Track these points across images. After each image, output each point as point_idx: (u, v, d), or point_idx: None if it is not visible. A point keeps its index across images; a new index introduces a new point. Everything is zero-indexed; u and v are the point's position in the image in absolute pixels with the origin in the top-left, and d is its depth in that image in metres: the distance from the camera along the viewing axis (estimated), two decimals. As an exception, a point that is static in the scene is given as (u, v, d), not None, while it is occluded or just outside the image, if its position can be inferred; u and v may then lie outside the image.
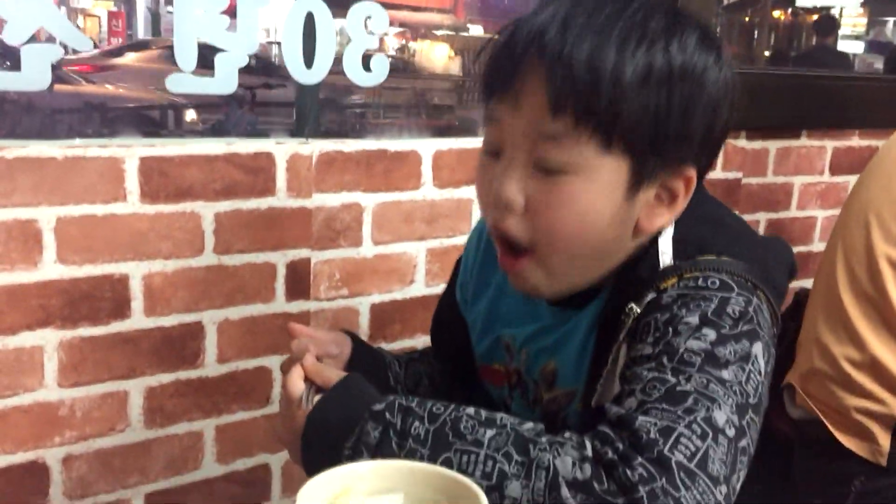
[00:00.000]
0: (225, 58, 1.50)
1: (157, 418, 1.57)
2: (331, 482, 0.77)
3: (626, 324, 0.85)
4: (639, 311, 0.84)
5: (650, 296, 0.84)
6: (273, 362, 1.69)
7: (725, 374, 0.77)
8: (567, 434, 0.77)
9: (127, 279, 1.49)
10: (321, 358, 0.97)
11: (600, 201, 0.85)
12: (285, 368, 0.96)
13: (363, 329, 1.79)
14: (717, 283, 0.83)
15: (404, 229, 1.80)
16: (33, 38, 1.32)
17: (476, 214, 1.89)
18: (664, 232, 0.90)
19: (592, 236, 0.87)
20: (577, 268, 0.90)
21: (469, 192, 1.87)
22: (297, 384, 0.89)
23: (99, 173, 1.43)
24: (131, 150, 1.45)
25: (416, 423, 0.79)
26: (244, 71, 1.53)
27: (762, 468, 0.94)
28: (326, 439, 0.82)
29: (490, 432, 0.77)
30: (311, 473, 0.74)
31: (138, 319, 1.51)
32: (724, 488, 0.73)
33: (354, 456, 0.80)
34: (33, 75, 1.32)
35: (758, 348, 0.81)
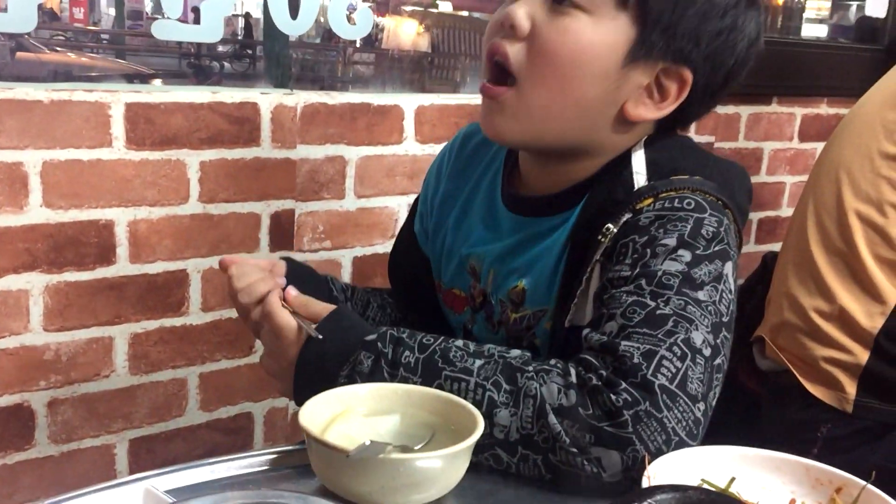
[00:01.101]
0: (211, 5, 1.50)
1: (142, 365, 1.59)
2: (330, 403, 0.80)
3: (602, 244, 0.86)
4: (615, 230, 0.86)
5: (626, 216, 0.87)
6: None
7: (701, 294, 0.80)
8: (553, 361, 0.79)
9: (112, 225, 1.49)
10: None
11: (600, 49, 0.86)
12: (240, 302, 0.94)
13: (346, 279, 1.81)
14: (692, 203, 0.86)
15: (386, 183, 1.82)
16: (20, -21, 1.31)
17: (457, 170, 1.92)
18: (635, 153, 0.93)
19: (580, 80, 0.87)
20: (552, 117, 0.89)
21: (450, 148, 1.89)
22: (286, 317, 0.87)
23: (84, 118, 1.43)
24: (117, 96, 1.45)
25: (407, 353, 0.82)
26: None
27: (731, 419, 0.98)
28: (321, 370, 0.83)
29: (479, 362, 0.80)
30: (303, 403, 0.77)
31: (123, 266, 1.52)
32: (702, 405, 0.77)
33: (348, 385, 0.82)
34: (19, 16, 1.32)
35: (728, 267, 0.84)
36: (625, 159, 0.93)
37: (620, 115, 0.91)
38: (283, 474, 0.79)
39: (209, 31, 1.51)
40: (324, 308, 0.88)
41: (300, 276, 1.00)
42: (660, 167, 0.91)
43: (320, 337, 0.83)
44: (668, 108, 0.91)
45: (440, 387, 0.80)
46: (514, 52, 0.88)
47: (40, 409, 1.50)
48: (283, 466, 0.80)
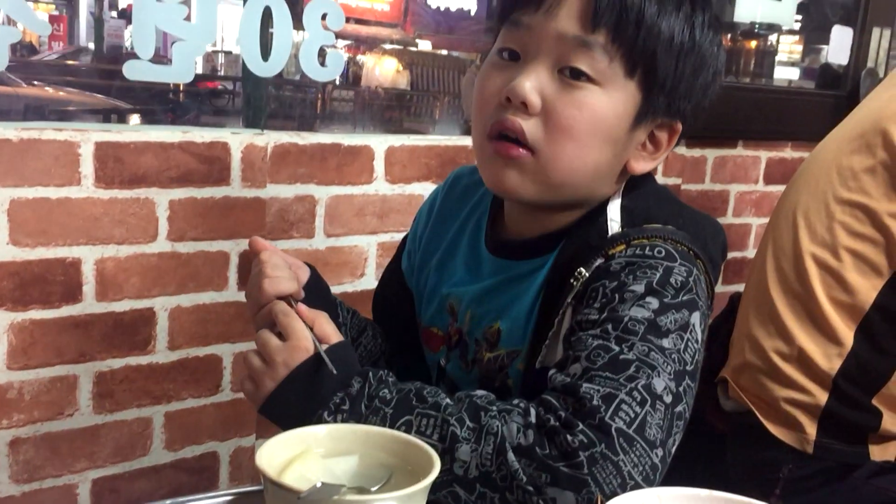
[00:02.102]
0: (182, 47, 1.52)
1: (107, 404, 1.58)
2: (288, 444, 0.80)
3: (574, 287, 0.89)
4: (587, 275, 0.89)
5: (598, 261, 0.89)
6: (224, 350, 1.70)
7: (665, 342, 0.82)
8: (516, 401, 0.81)
9: (79, 263, 1.49)
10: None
11: (612, 118, 0.90)
12: (263, 290, 0.92)
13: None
14: (663, 252, 0.88)
15: (356, 223, 1.83)
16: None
17: (426, 210, 1.94)
18: (612, 201, 0.96)
19: (596, 148, 0.91)
20: (569, 181, 0.92)
21: (420, 189, 1.91)
22: (301, 328, 0.87)
23: (54, 157, 1.44)
24: (87, 135, 1.46)
25: (386, 391, 0.84)
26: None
27: (696, 458, 1.00)
28: (313, 387, 0.84)
29: (447, 400, 0.82)
30: (279, 410, 0.81)
31: (90, 304, 1.52)
32: (660, 451, 0.78)
33: (334, 413, 0.83)
34: (-9, 56, 1.33)
35: (696, 317, 0.86)
36: (602, 207, 0.96)
37: (623, 171, 0.96)
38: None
39: (181, 73, 1.53)
40: (333, 332, 0.89)
41: (318, 287, 1.03)
42: (634, 215, 0.94)
43: (334, 371, 0.84)
44: (662, 157, 0.96)
45: (409, 422, 0.81)
46: (530, 127, 0.90)
47: (2, 448, 1.48)
48: (241, 507, 0.80)
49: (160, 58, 1.50)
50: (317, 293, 1.00)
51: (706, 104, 0.96)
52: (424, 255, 1.12)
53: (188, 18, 1.51)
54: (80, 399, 1.55)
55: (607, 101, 0.89)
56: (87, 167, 1.47)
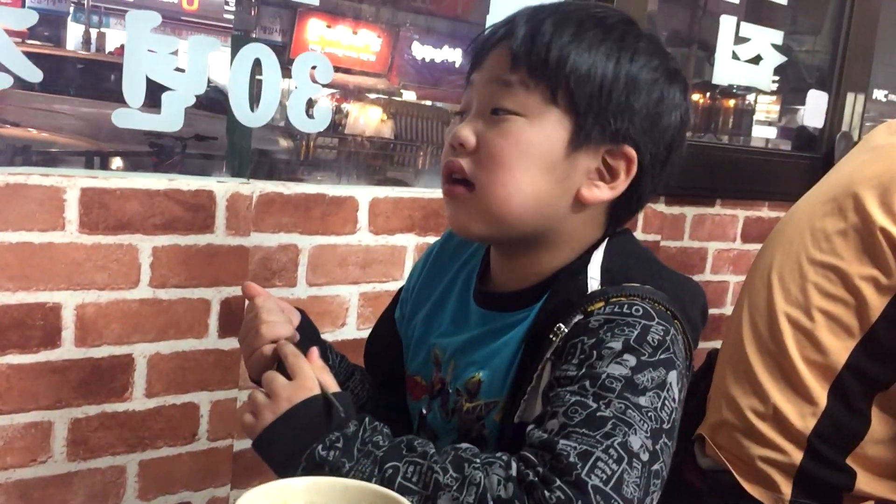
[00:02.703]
0: (172, 96, 1.54)
1: (81, 451, 1.56)
2: (268, 496, 0.80)
3: (553, 342, 0.91)
4: (566, 330, 0.90)
5: (577, 317, 0.91)
6: (202, 398, 1.69)
7: (642, 400, 0.83)
8: (499, 454, 0.82)
9: (59, 308, 1.49)
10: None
11: (541, 144, 0.94)
12: (260, 334, 1.00)
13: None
14: (641, 310, 0.90)
15: (338, 273, 1.84)
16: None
17: (409, 262, 1.95)
18: (593, 259, 0.98)
19: (528, 174, 0.94)
20: (509, 210, 0.95)
21: (403, 240, 1.93)
22: (309, 370, 0.93)
23: (39, 202, 1.44)
24: (73, 181, 1.47)
25: (379, 437, 0.87)
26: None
27: None
28: (312, 423, 0.88)
29: (434, 450, 0.84)
30: (273, 443, 0.87)
31: (68, 349, 1.51)
32: None
33: (328, 450, 0.85)
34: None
35: (673, 376, 0.87)
36: (583, 264, 0.98)
37: (576, 201, 0.97)
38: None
39: (169, 121, 1.54)
40: (333, 382, 0.94)
41: (309, 331, 1.09)
42: (613, 274, 0.96)
43: (342, 414, 0.88)
44: (621, 186, 0.97)
45: (396, 467, 0.83)
46: (468, 164, 0.96)
47: (-29, 495, 1.46)
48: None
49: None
50: (308, 337, 1.05)
51: (665, 130, 0.97)
52: (415, 305, 1.14)
53: (179, 68, 1.53)
54: (54, 446, 1.53)
55: (532, 128, 0.94)
56: (72, 212, 1.47)
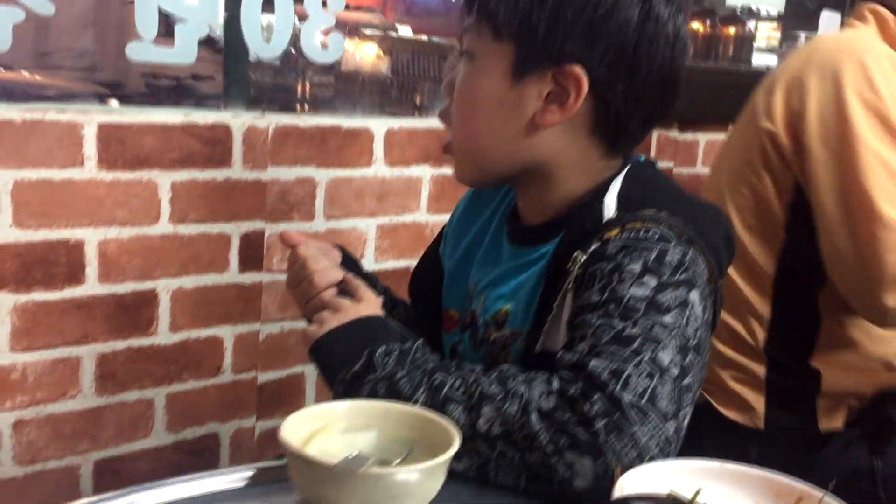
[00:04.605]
0: (185, 28, 1.52)
1: (109, 385, 1.58)
2: (309, 420, 0.81)
3: (572, 272, 0.91)
4: (584, 258, 0.91)
5: (594, 245, 0.91)
6: (225, 332, 1.71)
7: (667, 318, 0.84)
8: (539, 372, 0.83)
9: (82, 245, 1.49)
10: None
11: (486, 82, 0.96)
12: (313, 283, 1.01)
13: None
14: (657, 234, 0.90)
15: (355, 205, 1.84)
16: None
17: (425, 193, 1.95)
18: (610, 188, 0.98)
19: (482, 119, 0.97)
20: (478, 151, 0.99)
21: (419, 172, 1.92)
22: (374, 296, 0.99)
23: (57, 138, 1.43)
24: (90, 116, 1.46)
25: (430, 356, 0.90)
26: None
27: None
28: (375, 331, 0.93)
29: (480, 369, 0.86)
30: (332, 346, 0.90)
31: (92, 286, 1.52)
32: (673, 423, 0.80)
33: (386, 356, 0.88)
34: (-7, 36, 1.32)
35: (694, 295, 0.88)
36: (600, 194, 0.98)
37: (533, 128, 0.97)
38: (263, 490, 0.80)
39: (183, 53, 1.53)
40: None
41: (353, 266, 1.11)
42: (630, 202, 0.96)
43: (398, 329, 0.94)
44: (574, 106, 0.95)
45: (443, 380, 0.84)
46: (448, 108, 1.02)
47: (5, 429, 1.48)
48: (263, 482, 0.81)
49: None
50: (354, 272, 1.06)
51: (622, 45, 0.93)
52: (455, 241, 1.16)
53: (190, -1, 1.50)
54: (83, 380, 1.55)
55: (478, 68, 0.97)
56: (91, 149, 1.47)
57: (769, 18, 3.05)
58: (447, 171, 1.96)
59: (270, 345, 1.78)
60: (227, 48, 1.61)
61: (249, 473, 0.82)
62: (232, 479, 0.80)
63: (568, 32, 0.92)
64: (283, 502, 0.76)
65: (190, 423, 1.71)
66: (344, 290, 1.00)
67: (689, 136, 2.44)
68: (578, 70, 0.93)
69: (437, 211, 1.97)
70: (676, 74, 0.98)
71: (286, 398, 1.85)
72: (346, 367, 0.89)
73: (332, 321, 0.94)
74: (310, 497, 0.74)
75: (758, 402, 1.40)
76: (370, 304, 0.97)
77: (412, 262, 1.96)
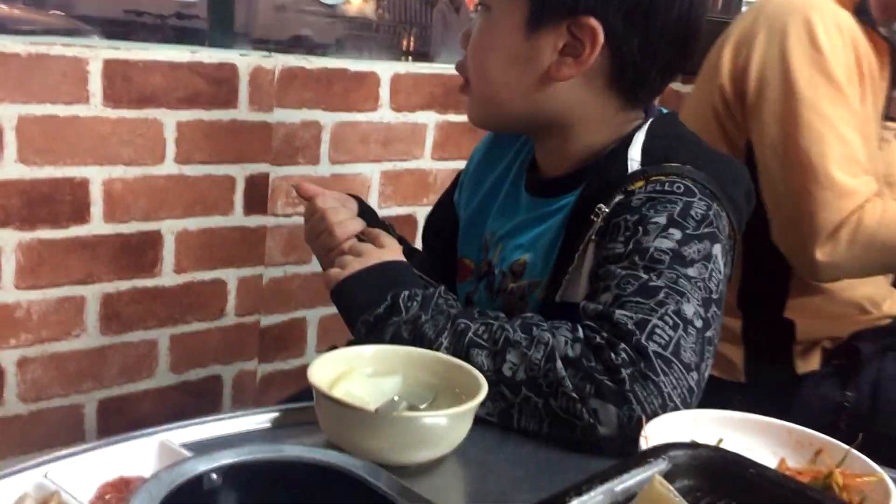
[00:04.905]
0: (193, -37, 1.48)
1: (113, 325, 1.58)
2: (336, 363, 0.82)
3: (595, 223, 0.92)
4: (607, 210, 0.91)
5: (619, 197, 0.91)
6: (229, 275, 1.70)
7: (691, 271, 0.85)
8: (563, 321, 0.83)
9: (87, 183, 1.48)
10: None
11: (503, 33, 0.96)
12: (335, 234, 1.01)
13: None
14: (682, 187, 0.90)
15: (360, 150, 1.82)
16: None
17: (430, 140, 1.93)
18: (634, 141, 0.97)
19: (496, 71, 0.97)
20: (493, 100, 1.00)
21: (424, 118, 1.90)
22: (397, 244, 1.00)
23: (62, 73, 1.40)
24: (95, 52, 1.43)
25: (453, 302, 0.91)
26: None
27: None
28: (400, 275, 0.94)
29: (504, 316, 0.86)
30: (356, 288, 0.91)
31: (97, 225, 1.51)
32: (695, 374, 0.81)
33: (410, 300, 0.89)
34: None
35: (717, 249, 0.88)
36: (624, 147, 0.97)
37: (548, 80, 0.96)
38: (290, 431, 0.81)
39: (190, -10, 1.49)
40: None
41: (370, 215, 1.10)
42: (654, 155, 0.95)
43: (421, 275, 0.97)
44: (589, 59, 0.94)
45: (468, 325, 0.85)
46: (465, 60, 1.01)
47: (10, 367, 1.48)
48: (288, 423, 0.82)
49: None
50: (372, 221, 1.06)
51: (648, 4, 0.92)
52: (471, 189, 1.15)
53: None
54: (87, 320, 1.54)
55: (493, 18, 0.97)
56: (96, 85, 1.44)
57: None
58: (452, 117, 1.94)
59: (273, 289, 1.78)
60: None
61: (275, 415, 0.82)
62: (260, 419, 0.81)
63: None
64: (312, 442, 0.76)
65: (193, 365, 1.71)
66: (364, 240, 0.99)
67: (690, 88, 2.42)
68: (593, 22, 0.92)
69: (441, 158, 1.96)
70: (696, 24, 0.96)
71: (288, 342, 1.85)
72: (370, 309, 0.89)
73: (354, 264, 0.94)
74: (338, 439, 0.74)
75: (737, 355, 1.42)
76: (393, 250, 0.97)
77: (416, 209, 1.96)
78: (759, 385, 1.43)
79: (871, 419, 1.37)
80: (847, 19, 1.32)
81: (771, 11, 1.34)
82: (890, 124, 1.49)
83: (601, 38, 0.92)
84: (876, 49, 1.37)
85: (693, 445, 0.62)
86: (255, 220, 1.70)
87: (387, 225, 1.12)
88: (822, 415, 1.39)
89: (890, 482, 0.69)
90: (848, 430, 1.39)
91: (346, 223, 1.01)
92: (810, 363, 1.42)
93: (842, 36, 1.30)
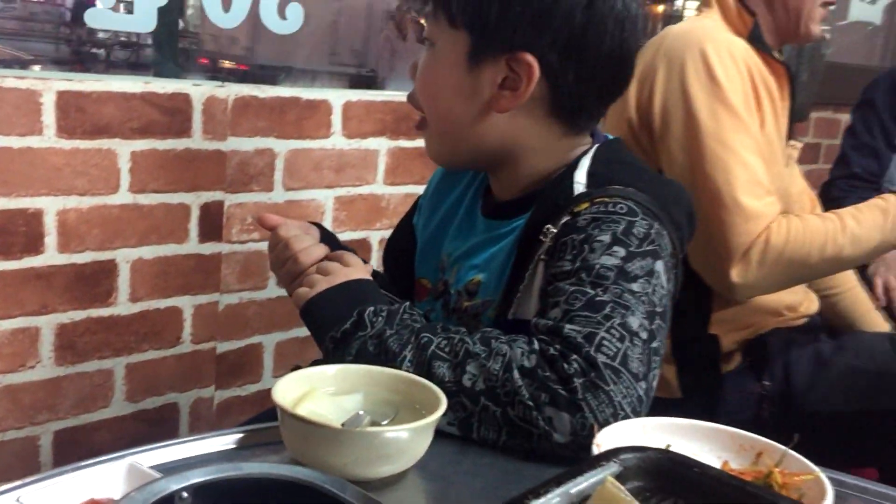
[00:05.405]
0: (145, -4, 1.50)
1: (68, 355, 1.57)
2: (299, 382, 0.84)
3: (543, 243, 0.96)
4: (555, 231, 0.96)
5: (565, 218, 0.96)
6: (184, 302, 1.71)
7: (635, 286, 0.90)
8: (520, 335, 0.88)
9: (41, 214, 1.48)
10: None
11: (445, 68, 1.01)
12: (299, 262, 1.02)
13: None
14: (625, 208, 0.95)
15: (314, 177, 1.85)
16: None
17: (381, 166, 1.97)
18: (580, 165, 1.02)
19: (443, 103, 1.02)
20: (443, 134, 1.04)
21: (376, 144, 1.94)
22: (361, 263, 1.03)
23: (15, 105, 1.41)
24: (48, 84, 1.44)
25: (417, 318, 0.94)
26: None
27: None
28: (364, 293, 0.96)
29: (465, 331, 0.90)
30: (323, 307, 0.93)
31: (52, 255, 1.51)
32: (643, 384, 0.85)
33: (375, 315, 0.92)
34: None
35: (660, 266, 0.93)
36: (570, 171, 1.02)
37: (490, 112, 1.01)
38: (254, 451, 0.83)
39: (142, 22, 1.51)
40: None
41: (332, 241, 1.12)
42: (598, 178, 1.00)
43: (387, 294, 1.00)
44: (526, 92, 0.98)
45: (430, 339, 0.88)
46: (415, 93, 1.06)
47: (-37, 400, 1.47)
48: (251, 444, 0.84)
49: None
50: (333, 247, 1.08)
51: (563, 29, 0.96)
52: (430, 212, 1.19)
53: (151, -33, 1.49)
54: (42, 351, 1.54)
55: (438, 54, 1.01)
56: (49, 117, 1.45)
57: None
58: (403, 143, 1.98)
59: (229, 315, 1.79)
60: (185, 17, 1.60)
61: (239, 436, 0.84)
62: (224, 440, 0.83)
63: (517, 22, 0.96)
64: (278, 460, 0.78)
65: (150, 394, 1.71)
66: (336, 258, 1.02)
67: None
68: (529, 58, 0.97)
69: (393, 183, 2.00)
70: (629, 52, 1.01)
71: (244, 368, 1.86)
72: (338, 325, 0.92)
73: (322, 283, 0.96)
74: (304, 457, 0.77)
75: (670, 373, 1.49)
76: (359, 269, 1.00)
77: (370, 234, 2.00)
78: (694, 396, 1.49)
79: (787, 402, 1.46)
80: (741, 47, 1.40)
81: (669, 45, 1.40)
82: (795, 143, 1.58)
83: (537, 72, 0.97)
84: (774, 72, 1.45)
85: (642, 449, 0.66)
86: (210, 248, 1.72)
87: (348, 249, 1.15)
88: (746, 407, 1.47)
89: (825, 480, 0.74)
90: (771, 417, 1.47)
91: (310, 249, 1.03)
92: (732, 364, 1.51)
93: (736, 64, 1.37)
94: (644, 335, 0.86)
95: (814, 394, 1.46)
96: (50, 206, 1.48)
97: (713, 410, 1.47)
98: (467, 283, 1.08)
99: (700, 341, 1.48)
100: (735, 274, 1.34)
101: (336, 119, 1.86)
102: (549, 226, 0.96)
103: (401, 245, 1.22)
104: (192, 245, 1.69)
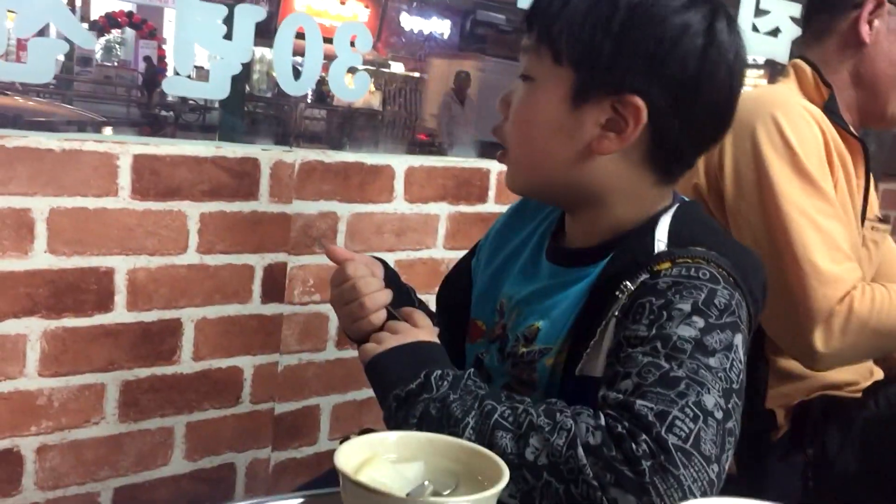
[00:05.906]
0: (220, 64, 1.56)
1: (131, 412, 1.60)
2: (361, 448, 0.83)
3: (619, 300, 0.93)
4: (632, 288, 0.93)
5: (644, 276, 0.93)
6: (245, 362, 1.73)
7: (712, 361, 0.86)
8: (585, 407, 0.86)
9: (112, 273, 1.52)
10: None
11: (547, 105, 0.98)
12: (364, 306, 1.03)
13: (332, 334, 1.85)
14: (707, 274, 0.92)
15: (375, 240, 1.87)
16: (41, 33, 1.36)
17: (442, 230, 1.98)
18: (661, 222, 1.00)
19: (539, 137, 1.00)
20: (532, 168, 1.02)
21: (437, 209, 1.96)
22: (430, 324, 1.03)
23: (94, 167, 1.47)
24: (125, 147, 1.50)
25: (482, 384, 0.93)
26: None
27: None
28: (429, 355, 0.96)
29: (529, 401, 0.88)
30: (388, 364, 0.94)
31: (120, 313, 1.54)
32: (715, 467, 0.81)
33: (441, 379, 0.91)
34: (39, 68, 1.36)
35: (738, 339, 0.90)
36: (651, 226, 1.00)
37: (588, 154, 0.98)
38: (315, 517, 0.82)
39: (217, 89, 1.56)
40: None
41: (394, 281, 1.13)
42: (680, 238, 0.98)
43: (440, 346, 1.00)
44: (631, 136, 0.96)
45: (494, 407, 0.87)
46: (504, 128, 1.04)
47: (29, 454, 1.49)
48: (313, 510, 0.83)
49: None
50: (396, 286, 1.10)
51: (677, 73, 0.94)
52: (490, 255, 1.18)
53: (227, 37, 1.54)
54: (107, 407, 1.56)
55: (539, 90, 0.99)
56: (125, 179, 1.50)
57: (755, 66, 3.12)
58: (463, 208, 2.00)
59: (288, 376, 1.80)
60: (257, 85, 1.65)
61: (299, 501, 0.84)
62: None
63: (630, 64, 0.94)
64: (339, 529, 0.77)
65: (208, 452, 1.72)
66: (395, 316, 1.02)
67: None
68: (638, 101, 0.94)
69: (452, 247, 2.01)
70: (734, 101, 1.00)
71: (301, 430, 1.86)
72: (402, 384, 0.91)
73: (391, 341, 0.97)
74: (365, 524, 0.76)
75: None
76: (427, 331, 1.00)
77: (429, 297, 2.00)
78: (749, 473, 1.44)
79: (829, 468, 1.40)
80: (816, 113, 1.38)
81: (738, 113, 1.40)
82: (879, 225, 1.53)
83: (644, 116, 0.94)
84: (849, 148, 1.42)
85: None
86: (272, 308, 1.74)
87: (409, 288, 1.17)
88: (792, 478, 1.42)
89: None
90: (815, 484, 1.42)
91: (376, 296, 1.03)
92: (779, 432, 1.46)
93: (810, 128, 1.35)
94: (719, 415, 0.83)
95: (855, 462, 1.40)
96: (121, 266, 1.53)
97: (762, 483, 1.43)
98: (526, 328, 1.05)
99: (757, 416, 1.42)
100: (818, 341, 1.30)
101: (398, 184, 1.88)
102: (626, 282, 0.93)
103: (457, 286, 1.22)
104: (255, 305, 1.71)
